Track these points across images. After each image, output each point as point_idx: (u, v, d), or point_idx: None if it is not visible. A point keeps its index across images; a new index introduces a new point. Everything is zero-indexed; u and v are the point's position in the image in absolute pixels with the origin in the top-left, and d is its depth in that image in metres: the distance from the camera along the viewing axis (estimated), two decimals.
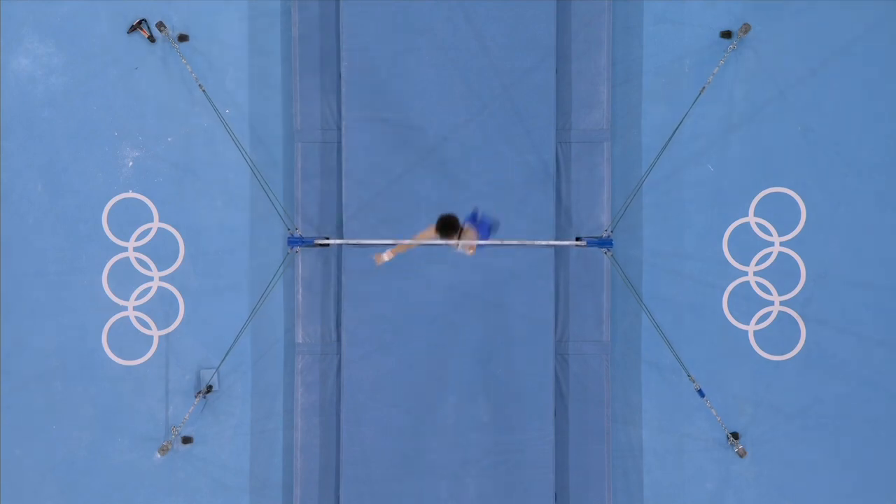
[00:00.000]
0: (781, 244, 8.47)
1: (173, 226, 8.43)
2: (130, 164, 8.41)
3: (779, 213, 8.45)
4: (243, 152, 8.22)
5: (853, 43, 8.42)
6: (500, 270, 8.08)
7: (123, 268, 8.42)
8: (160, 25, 8.29)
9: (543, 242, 7.94)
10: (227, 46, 8.43)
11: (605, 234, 8.10)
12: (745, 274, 8.47)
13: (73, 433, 8.36)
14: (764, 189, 8.45)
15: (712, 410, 8.23)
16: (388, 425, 8.06)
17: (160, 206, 8.43)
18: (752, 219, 8.46)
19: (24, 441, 8.34)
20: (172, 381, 8.40)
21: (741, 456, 8.26)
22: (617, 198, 8.31)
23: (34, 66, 8.40)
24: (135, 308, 8.42)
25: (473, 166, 8.06)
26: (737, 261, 8.47)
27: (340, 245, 8.03)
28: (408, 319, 8.07)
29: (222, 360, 8.22)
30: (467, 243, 6.59)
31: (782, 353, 8.44)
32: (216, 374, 8.31)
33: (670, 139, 8.20)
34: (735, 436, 8.30)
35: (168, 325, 8.43)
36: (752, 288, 8.47)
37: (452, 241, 6.52)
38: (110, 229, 8.41)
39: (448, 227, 6.40)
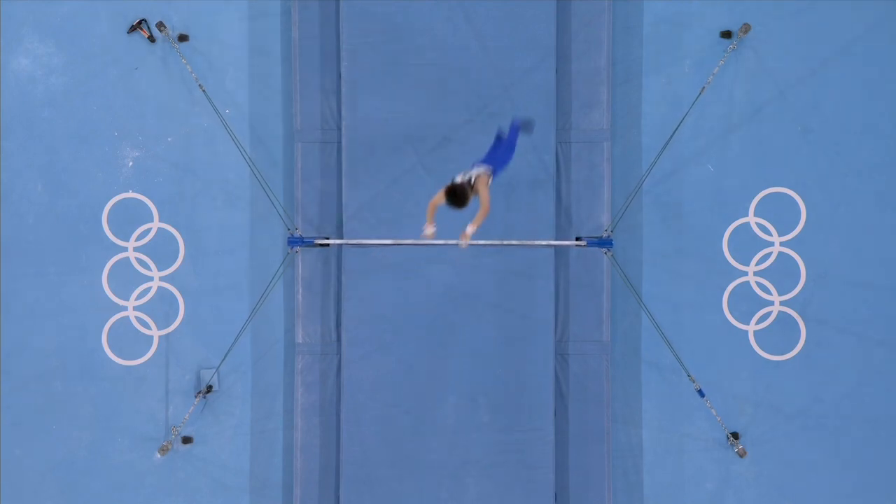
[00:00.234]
0: (781, 244, 8.46)
1: (173, 226, 8.43)
2: (130, 164, 8.41)
3: (779, 213, 8.45)
4: (243, 152, 8.22)
5: (853, 43, 8.41)
6: (500, 270, 8.08)
7: (123, 268, 8.41)
8: (160, 25, 8.28)
9: (543, 242, 7.93)
10: (227, 46, 8.42)
11: (605, 234, 8.09)
12: (745, 274, 8.46)
13: (73, 433, 8.35)
14: (764, 189, 8.44)
15: (712, 410, 8.22)
16: (388, 425, 8.05)
17: (160, 206, 8.42)
18: (752, 219, 8.45)
19: (24, 441, 8.34)
20: (172, 381, 8.40)
21: (741, 456, 8.26)
22: (617, 198, 8.31)
23: (34, 66, 8.39)
24: (135, 308, 8.41)
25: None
26: (737, 261, 8.46)
27: (340, 245, 8.02)
28: (408, 319, 8.07)
29: (222, 360, 8.21)
30: (465, 242, 6.65)
31: (782, 353, 8.43)
32: (216, 374, 8.31)
33: (670, 139, 8.19)
34: (735, 436, 8.30)
35: (168, 325, 8.42)
36: (752, 288, 8.46)
37: (461, 242, 6.69)
38: (110, 229, 8.40)
39: (456, 196, 6.48)
